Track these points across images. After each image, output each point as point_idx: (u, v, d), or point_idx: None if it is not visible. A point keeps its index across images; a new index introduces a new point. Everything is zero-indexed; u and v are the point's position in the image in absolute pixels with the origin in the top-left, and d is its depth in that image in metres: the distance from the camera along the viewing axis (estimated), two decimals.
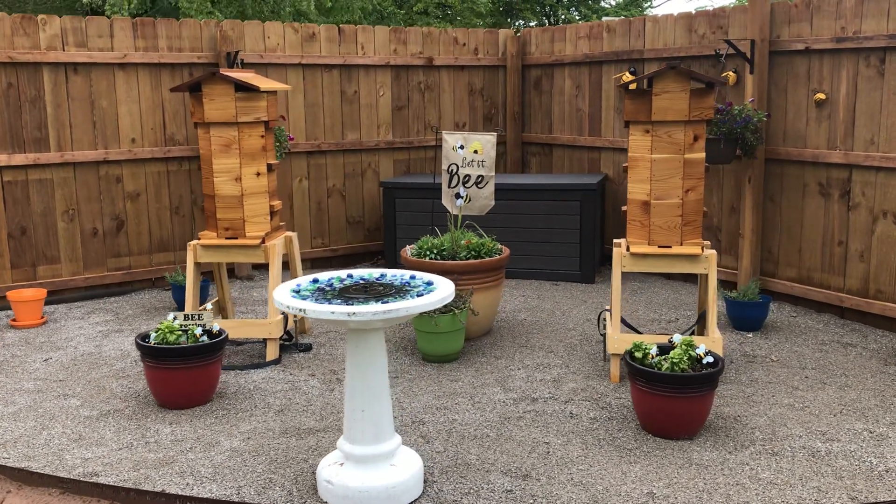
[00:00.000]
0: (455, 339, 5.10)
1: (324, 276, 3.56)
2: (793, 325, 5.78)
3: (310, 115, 7.58)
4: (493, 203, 5.78)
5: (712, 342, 4.66)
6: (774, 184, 6.24)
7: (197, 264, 5.22)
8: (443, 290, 3.29)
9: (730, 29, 6.40)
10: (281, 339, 5.41)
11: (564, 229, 7.02)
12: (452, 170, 5.72)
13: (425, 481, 3.58)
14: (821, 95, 5.83)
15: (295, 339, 5.42)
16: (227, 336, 4.59)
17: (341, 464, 3.41)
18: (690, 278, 7.07)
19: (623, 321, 5.15)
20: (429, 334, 5.06)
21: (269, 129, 5.20)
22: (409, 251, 5.60)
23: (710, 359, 4.08)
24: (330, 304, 3.12)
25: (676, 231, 4.75)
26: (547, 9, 22.91)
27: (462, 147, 5.69)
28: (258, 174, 5.15)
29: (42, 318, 6.09)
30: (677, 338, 4.18)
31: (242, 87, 4.97)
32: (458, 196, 5.74)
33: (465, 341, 5.49)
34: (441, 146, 5.86)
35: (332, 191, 7.79)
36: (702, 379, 3.95)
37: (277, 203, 5.35)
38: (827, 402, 4.45)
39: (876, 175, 5.59)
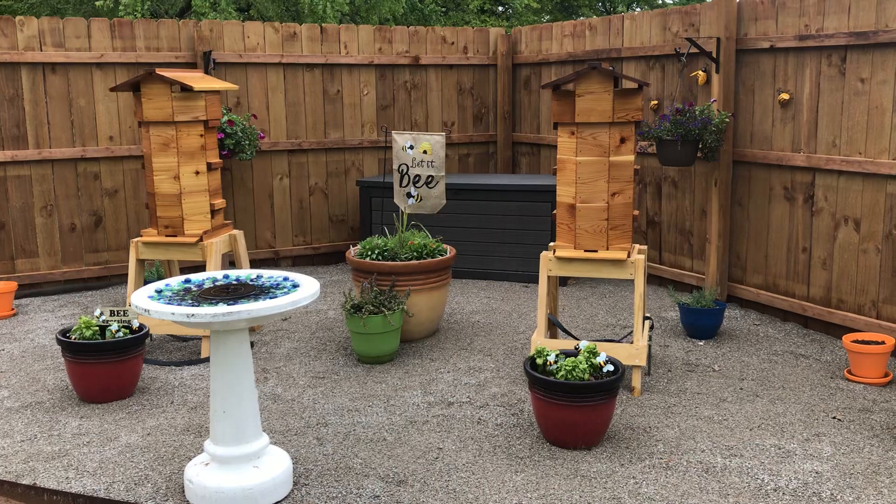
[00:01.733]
0: (387, 340, 5.07)
1: (199, 276, 3.58)
2: (751, 334, 5.58)
3: (291, 114, 7.64)
4: (444, 202, 5.72)
5: (635, 350, 4.53)
6: (742, 187, 6.03)
7: (139, 260, 5.31)
8: (298, 293, 3.27)
9: (701, 26, 6.21)
10: None
11: (536, 231, 6.92)
12: (403, 169, 5.69)
13: (296, 483, 3.57)
14: (785, 95, 5.60)
15: None
16: (146, 332, 4.66)
17: (206, 464, 3.43)
18: (654, 280, 6.89)
19: (560, 326, 5.04)
20: (361, 335, 5.05)
21: (209, 129, 5.25)
22: (352, 251, 5.60)
23: (610, 367, 3.96)
24: (179, 305, 3.14)
25: (602, 235, 4.63)
26: (607, 5, 22.58)
27: (412, 147, 5.66)
28: (197, 173, 5.21)
29: (12, 310, 6.28)
30: (583, 344, 4.08)
31: (180, 87, 5.03)
32: (409, 195, 5.71)
33: (407, 343, 5.46)
34: (391, 146, 5.83)
35: (314, 189, 7.83)
36: (596, 388, 3.84)
37: (219, 202, 5.41)
38: (750, 415, 4.28)
39: (837, 179, 5.35)
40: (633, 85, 4.60)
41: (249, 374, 3.39)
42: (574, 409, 3.85)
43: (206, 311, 3.03)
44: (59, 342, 4.49)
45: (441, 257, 5.48)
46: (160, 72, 5.01)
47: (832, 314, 5.41)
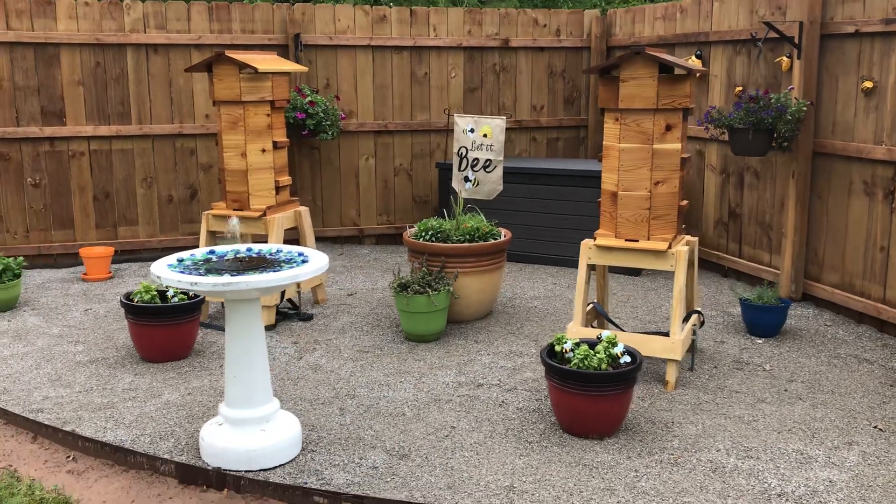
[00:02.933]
0: (432, 319, 5.17)
1: (224, 248, 3.80)
2: (818, 335, 5.30)
3: (378, 96, 7.82)
4: (500, 188, 5.74)
5: (671, 344, 4.43)
6: (822, 180, 5.71)
7: (210, 232, 5.64)
8: (297, 269, 3.41)
9: (788, 10, 5.89)
10: (285, 307, 5.74)
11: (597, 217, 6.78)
12: (462, 153, 5.75)
13: (304, 449, 3.74)
14: (868, 84, 5.26)
15: (299, 308, 5.72)
16: (202, 298, 4.96)
17: (220, 424, 3.65)
18: (732, 275, 6.63)
19: (605, 316, 4.98)
20: (406, 313, 5.17)
21: (275, 109, 5.49)
22: (409, 232, 5.71)
23: (627, 358, 3.90)
24: (188, 274, 3.35)
25: (644, 224, 4.53)
26: None
27: (472, 130, 5.70)
28: (263, 151, 5.47)
29: (109, 273, 6.81)
30: (605, 334, 4.03)
31: (246, 68, 5.29)
32: (466, 179, 5.76)
33: (456, 323, 5.54)
34: (453, 129, 5.89)
35: (398, 170, 8.01)
36: (608, 377, 3.79)
37: (285, 178, 5.65)
38: (784, 417, 4.10)
39: None
40: (682, 71, 4.44)
41: (259, 342, 3.58)
42: (585, 398, 3.82)
43: (208, 281, 3.23)
44: (123, 304, 4.86)
45: (493, 241, 5.51)
46: (230, 54, 5.28)
47: None
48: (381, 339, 5.27)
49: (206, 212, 5.63)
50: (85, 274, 6.75)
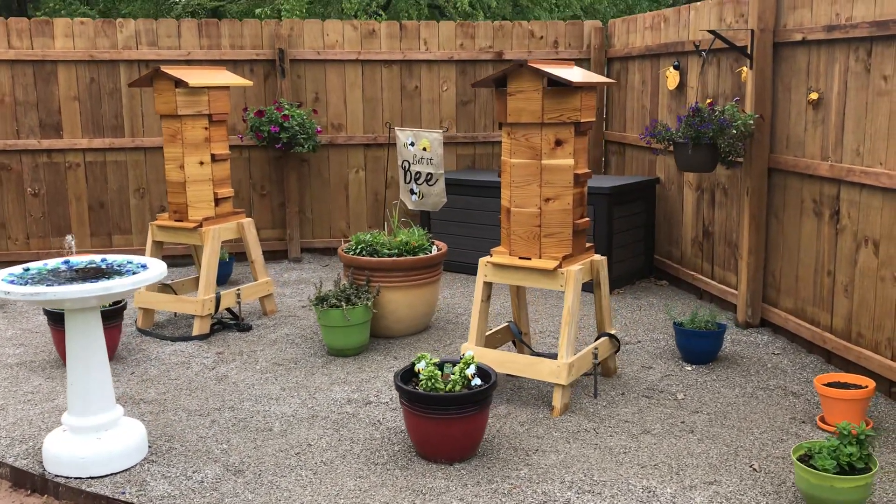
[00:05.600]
0: (350, 333, 5.13)
1: (82, 258, 3.90)
2: (758, 364, 4.95)
3: (368, 109, 7.86)
4: (445, 199, 5.66)
5: (556, 368, 4.23)
6: (778, 197, 5.35)
7: (155, 242, 5.79)
8: (112, 282, 3.46)
9: (749, 17, 5.56)
10: (227, 318, 5.84)
11: None
12: (405, 166, 5.70)
13: (147, 458, 3.78)
14: (814, 95, 4.89)
15: (238, 319, 5.80)
16: (124, 305, 5.12)
17: (64, 430, 3.74)
18: (706, 297, 6.28)
19: (517, 336, 4.82)
20: (326, 328, 5.16)
21: (213, 122, 5.60)
22: (344, 245, 5.69)
23: (478, 381, 3.76)
24: (14, 284, 3.46)
25: (535, 242, 4.36)
26: None
27: (413, 144, 5.65)
28: (201, 163, 5.59)
29: None
30: (469, 353, 3.90)
31: (182, 83, 5.43)
32: (412, 192, 5.71)
33: (386, 339, 5.48)
34: (395, 143, 5.85)
35: (390, 182, 8.01)
36: (454, 400, 3.66)
37: (225, 191, 5.75)
38: (658, 451, 3.85)
39: (859, 193, 4.59)
40: (586, 82, 4.14)
41: (97, 351, 3.65)
42: (431, 421, 3.71)
43: (19, 291, 3.33)
44: (45, 312, 5.05)
45: (423, 255, 5.43)
46: (165, 69, 5.43)
47: (849, 349, 4.67)
48: (304, 353, 5.28)
49: (152, 223, 5.79)
50: None
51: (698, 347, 4.95)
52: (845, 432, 3.22)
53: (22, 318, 6.11)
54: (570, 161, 4.28)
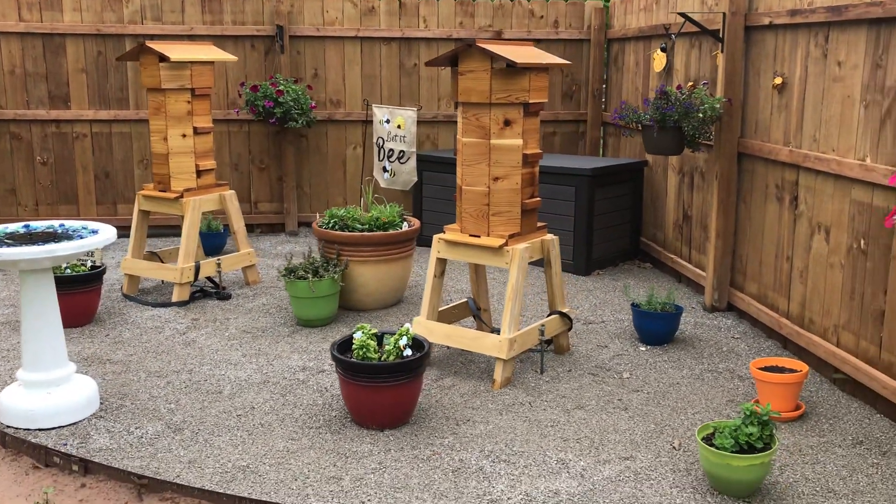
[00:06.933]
0: (317, 305, 5.29)
1: (42, 223, 4.11)
2: (713, 347, 4.99)
3: (367, 86, 7.98)
4: (415, 178, 5.78)
5: (499, 342, 4.34)
6: (746, 182, 5.35)
7: (141, 210, 6.02)
8: (62, 245, 3.66)
9: (721, 0, 5.53)
10: (207, 286, 6.04)
11: (560, 216, 6.64)
12: (380, 143, 5.82)
13: (95, 414, 4.00)
14: (778, 80, 4.88)
15: (219, 287, 6.00)
16: (103, 269, 5.35)
17: (20, 385, 3.97)
18: (685, 280, 6.31)
19: (475, 313, 4.93)
20: (295, 298, 5.32)
21: (196, 96, 5.78)
22: (318, 220, 5.84)
23: (409, 351, 3.89)
24: None
25: (484, 220, 4.45)
26: None
27: (388, 121, 5.76)
28: (184, 136, 5.78)
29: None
30: (406, 326, 4.02)
31: (165, 58, 5.61)
32: (384, 170, 5.83)
33: (357, 311, 5.63)
34: (371, 121, 5.96)
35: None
36: (385, 369, 3.79)
37: (207, 163, 5.93)
38: (584, 427, 3.94)
39: (815, 179, 4.59)
40: (529, 63, 4.17)
41: (50, 310, 3.86)
42: (364, 388, 3.85)
43: None
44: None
45: (394, 231, 5.55)
46: (150, 44, 5.61)
47: (800, 335, 4.68)
48: (274, 322, 5.46)
49: (139, 192, 6.01)
50: None
51: (654, 328, 5.00)
52: (748, 412, 3.28)
53: (12, 282, 6.39)
54: (519, 141, 4.35)
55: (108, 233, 3.87)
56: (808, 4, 4.59)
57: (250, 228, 8.01)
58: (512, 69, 4.25)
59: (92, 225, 4.09)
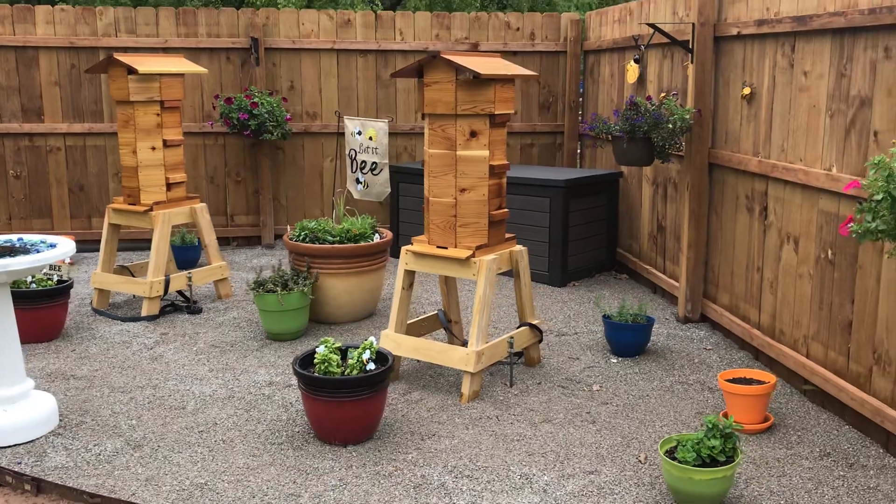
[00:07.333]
0: (285, 318, 5.23)
1: (3, 237, 4.05)
2: (685, 358, 4.96)
3: (343, 98, 7.95)
4: (388, 190, 5.74)
5: (466, 356, 4.30)
6: (718, 193, 5.33)
7: (111, 225, 5.96)
8: (15, 259, 3.60)
9: (691, 11, 5.53)
10: (178, 300, 5.98)
11: (535, 227, 6.61)
12: (352, 154, 5.78)
13: (54, 432, 3.93)
14: (746, 90, 4.87)
15: (189, 301, 5.94)
16: (70, 284, 5.28)
17: None
18: (660, 291, 6.29)
19: (444, 325, 4.89)
20: (263, 312, 5.27)
21: (166, 109, 5.74)
22: (289, 232, 5.79)
23: (372, 365, 3.84)
24: None
25: (451, 232, 4.42)
26: None
27: (360, 133, 5.73)
28: (153, 148, 5.73)
29: (70, 261, 7.29)
30: (370, 339, 3.97)
31: (133, 70, 5.56)
32: (357, 182, 5.79)
33: (328, 325, 5.58)
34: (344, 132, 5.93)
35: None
36: (346, 384, 3.74)
37: (178, 176, 5.88)
38: (550, 441, 3.89)
39: (784, 189, 4.57)
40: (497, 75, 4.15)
41: (5, 326, 3.79)
42: (324, 403, 3.80)
43: None
44: None
45: (364, 243, 5.51)
46: (118, 56, 5.57)
47: (771, 346, 4.65)
48: (244, 336, 5.40)
49: (108, 205, 5.95)
50: None
51: (625, 340, 4.97)
52: (710, 425, 3.24)
53: None
54: (485, 152, 4.32)
55: (66, 246, 3.83)
56: (774, 14, 4.59)
57: (226, 241, 7.96)
58: (477, 80, 4.23)
59: (50, 239, 4.03)
